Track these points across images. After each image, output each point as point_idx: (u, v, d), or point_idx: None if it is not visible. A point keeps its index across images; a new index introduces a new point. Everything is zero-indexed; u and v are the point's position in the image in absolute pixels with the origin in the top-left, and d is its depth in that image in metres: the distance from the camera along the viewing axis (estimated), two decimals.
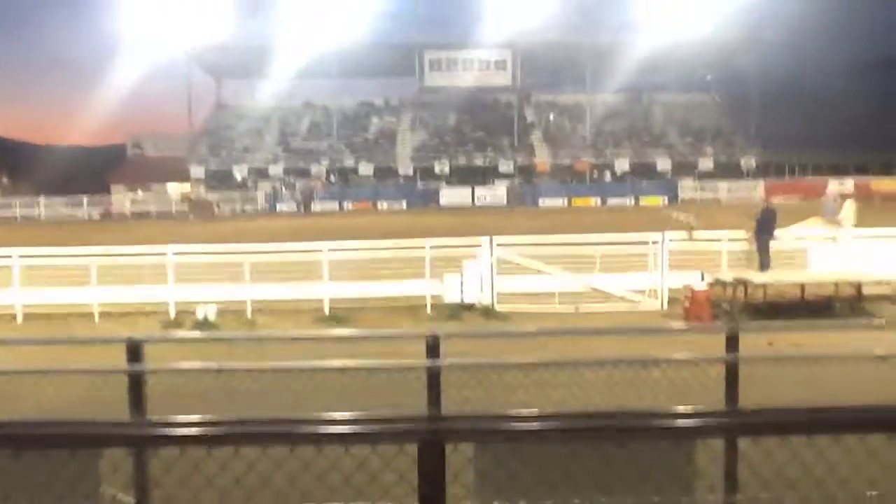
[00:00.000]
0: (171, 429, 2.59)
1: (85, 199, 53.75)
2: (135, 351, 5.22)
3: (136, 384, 5.18)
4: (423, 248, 15.95)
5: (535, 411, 2.35)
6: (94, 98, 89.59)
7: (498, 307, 15.54)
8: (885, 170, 59.01)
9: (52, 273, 16.23)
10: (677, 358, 5.65)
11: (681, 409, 2.36)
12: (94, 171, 71.11)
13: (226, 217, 51.36)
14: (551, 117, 68.19)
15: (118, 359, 5.44)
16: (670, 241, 16.11)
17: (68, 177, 71.33)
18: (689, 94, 68.13)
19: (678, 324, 13.32)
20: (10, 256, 15.93)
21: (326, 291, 15.78)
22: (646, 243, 16.18)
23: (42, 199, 54.20)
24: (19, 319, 15.63)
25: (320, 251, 16.03)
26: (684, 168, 60.27)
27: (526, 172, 60.76)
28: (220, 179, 60.70)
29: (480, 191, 57.00)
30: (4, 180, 63.12)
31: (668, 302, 15.70)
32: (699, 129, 64.92)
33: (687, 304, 14.41)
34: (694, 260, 16.26)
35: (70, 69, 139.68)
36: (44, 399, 6.05)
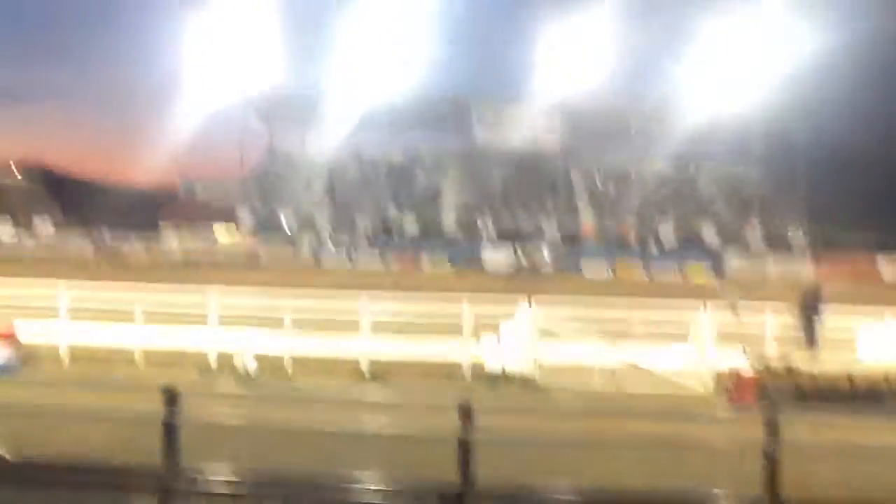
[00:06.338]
0: (200, 482, 2.61)
1: (133, 237, 54.80)
2: (172, 401, 5.24)
3: (171, 433, 5.19)
4: (462, 306, 15.88)
5: (564, 486, 2.32)
6: (148, 137, 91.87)
7: (538, 380, 15.18)
8: None
9: (97, 314, 16.44)
10: (714, 445, 5.51)
11: (715, 492, 2.30)
12: (146, 209, 72.75)
13: (270, 266, 51.72)
14: (598, 181, 68.01)
15: (157, 402, 5.47)
16: (714, 314, 15.77)
17: (121, 213, 73.04)
18: (736, 164, 67.51)
19: (720, 410, 13.16)
20: (56, 296, 16.19)
21: (365, 348, 15.76)
22: (692, 312, 15.78)
23: (94, 235, 55.46)
24: (66, 363, 15.77)
25: (359, 304, 15.98)
26: (731, 238, 59.55)
27: (570, 236, 60.50)
28: (266, 225, 61.59)
29: (523, 252, 56.81)
30: (58, 215, 64.61)
31: (714, 379, 15.30)
32: (746, 201, 64.22)
33: (732, 387, 14.17)
34: (739, 335, 15.89)
35: (126, 104, 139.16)
36: (79, 438, 6.11)
